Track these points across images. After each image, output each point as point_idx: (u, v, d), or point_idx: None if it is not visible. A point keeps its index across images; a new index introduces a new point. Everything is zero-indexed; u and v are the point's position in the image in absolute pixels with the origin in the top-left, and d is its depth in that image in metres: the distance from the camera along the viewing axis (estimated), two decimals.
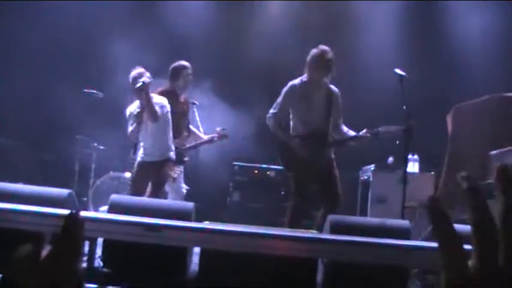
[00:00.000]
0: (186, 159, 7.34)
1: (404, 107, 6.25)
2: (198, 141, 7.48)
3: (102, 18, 9.49)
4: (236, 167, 8.63)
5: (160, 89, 7.20)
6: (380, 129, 6.57)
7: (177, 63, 7.29)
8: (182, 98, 7.40)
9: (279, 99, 6.67)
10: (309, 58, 6.52)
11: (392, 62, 8.10)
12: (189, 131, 7.53)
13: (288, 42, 9.42)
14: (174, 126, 7.04)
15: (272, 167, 8.59)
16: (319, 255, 4.83)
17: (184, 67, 7.27)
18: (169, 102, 6.96)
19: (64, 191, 5.32)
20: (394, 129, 6.55)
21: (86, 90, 8.48)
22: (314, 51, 6.50)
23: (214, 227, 4.89)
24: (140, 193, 6.74)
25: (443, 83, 9.46)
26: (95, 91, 8.43)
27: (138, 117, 6.75)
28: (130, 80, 6.80)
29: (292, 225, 6.30)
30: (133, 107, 6.93)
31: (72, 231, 0.99)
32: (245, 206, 8.45)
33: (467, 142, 8.05)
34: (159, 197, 6.82)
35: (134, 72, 6.80)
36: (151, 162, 6.87)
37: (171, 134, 7.01)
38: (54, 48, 9.36)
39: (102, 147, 8.69)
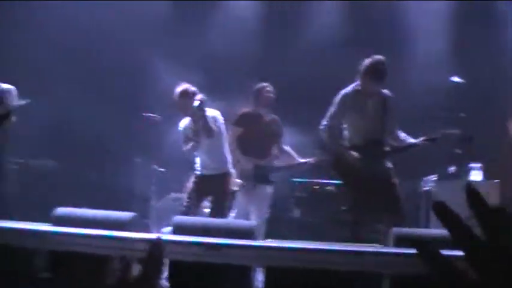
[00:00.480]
0: (272, 179, 7.22)
1: (461, 114, 6.12)
2: (289, 163, 7.37)
3: (148, 38, 9.63)
4: (295, 183, 8.60)
5: (242, 110, 7.25)
6: (438, 135, 6.43)
7: (257, 84, 7.29)
8: (268, 118, 7.30)
9: (331, 109, 6.51)
10: (362, 67, 6.39)
11: (447, 65, 7.99)
12: (282, 150, 7.36)
13: (337, 52, 9.39)
14: (260, 147, 7.06)
15: (332, 181, 8.52)
16: (383, 269, 4.75)
17: (263, 87, 7.25)
18: (251, 123, 7.02)
19: (128, 214, 5.40)
20: (452, 133, 6.40)
21: (144, 114, 8.61)
22: (368, 60, 6.37)
23: (277, 244, 4.89)
24: (196, 207, 6.79)
25: (504, 87, 9.24)
26: (153, 114, 8.55)
27: (195, 135, 6.84)
28: (177, 96, 6.89)
29: (355, 240, 6.19)
30: (185, 122, 7.04)
31: (156, 255, 1.04)
32: (306, 222, 8.40)
33: None
34: (222, 212, 6.85)
35: (181, 89, 6.90)
36: (209, 176, 6.90)
37: (227, 147, 7.06)
38: (105, 71, 9.53)
39: (161, 169, 8.79)
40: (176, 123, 7.35)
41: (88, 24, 9.49)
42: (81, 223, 4.99)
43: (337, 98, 6.50)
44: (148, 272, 1.05)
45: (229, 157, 7.12)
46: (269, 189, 7.26)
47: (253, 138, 7.14)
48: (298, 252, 4.52)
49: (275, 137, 7.27)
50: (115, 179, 9.47)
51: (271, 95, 7.22)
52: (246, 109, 7.29)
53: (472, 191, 0.86)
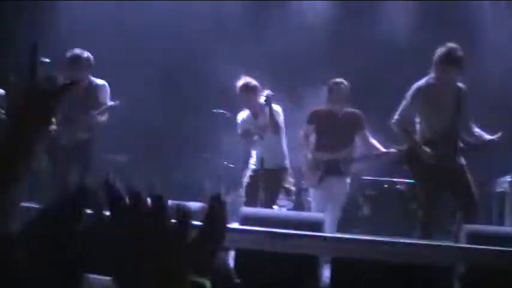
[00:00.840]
0: (344, 171, 7.12)
1: None
2: (367, 154, 7.19)
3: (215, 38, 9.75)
4: (365, 181, 8.52)
5: (314, 108, 7.25)
6: None
7: (330, 81, 7.21)
8: (341, 113, 7.16)
9: (404, 103, 6.35)
10: (435, 57, 6.19)
11: None
12: (366, 143, 7.11)
13: (406, 46, 9.29)
14: (332, 142, 7.03)
15: (402, 180, 8.40)
16: (453, 262, 4.66)
17: (334, 83, 7.14)
18: (322, 120, 7.05)
19: (197, 204, 5.47)
20: None
21: (214, 110, 8.69)
22: (441, 49, 6.16)
23: (345, 235, 4.87)
24: (255, 201, 6.81)
25: None
26: (223, 111, 8.62)
27: (259, 130, 6.92)
28: (239, 89, 6.97)
29: (425, 237, 6.06)
30: (244, 115, 7.12)
31: (218, 211, 1.00)
32: (376, 220, 8.31)
33: None
34: (271, 206, 6.91)
35: (242, 82, 6.98)
36: (267, 170, 6.88)
37: (285, 142, 7.09)
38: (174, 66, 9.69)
39: (231, 165, 8.86)
40: None
41: (156, 25, 9.67)
42: None
43: (410, 91, 6.35)
44: (210, 231, 1.00)
45: (286, 153, 7.18)
46: (345, 184, 7.16)
47: (326, 134, 7.07)
48: (365, 244, 4.49)
49: (350, 131, 7.13)
50: (185, 175, 9.62)
51: (343, 90, 7.10)
52: (317, 107, 7.26)
53: None
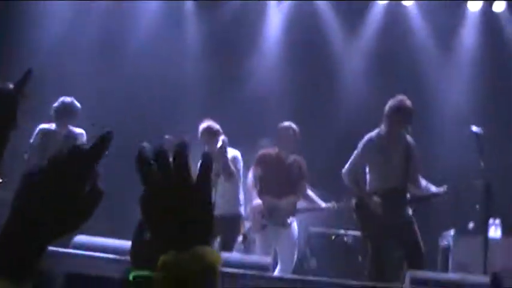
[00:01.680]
0: (288, 221, 7.16)
1: (481, 164, 6.14)
2: (309, 207, 7.37)
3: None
4: (312, 232, 8.58)
5: (263, 151, 7.30)
6: (460, 185, 6.43)
7: (280, 124, 7.25)
8: (289, 160, 7.20)
9: (356, 153, 6.50)
10: (387, 109, 6.37)
11: (468, 116, 8.06)
12: (303, 194, 7.30)
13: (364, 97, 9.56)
14: (276, 188, 7.04)
15: (349, 232, 8.50)
16: None
17: (285, 127, 7.18)
18: (270, 165, 7.08)
19: None
20: (475, 185, 6.37)
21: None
22: (392, 102, 6.36)
23: (289, 276, 4.90)
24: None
25: None
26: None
27: (213, 175, 6.89)
28: (201, 132, 7.03)
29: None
30: None
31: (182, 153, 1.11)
32: (323, 272, 8.32)
33: None
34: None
35: (205, 125, 7.03)
36: (220, 216, 6.65)
37: (241, 188, 7.11)
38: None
39: None
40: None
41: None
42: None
43: (362, 142, 6.50)
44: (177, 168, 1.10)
45: (242, 199, 7.18)
46: (290, 234, 7.17)
47: (271, 180, 7.09)
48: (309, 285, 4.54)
49: (294, 180, 7.19)
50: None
51: (293, 136, 7.15)
52: (266, 150, 7.32)
53: None
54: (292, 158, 7.16)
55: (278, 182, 7.05)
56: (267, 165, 7.09)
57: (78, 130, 7.46)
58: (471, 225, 8.40)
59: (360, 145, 6.51)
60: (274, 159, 7.14)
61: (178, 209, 1.08)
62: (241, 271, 4.70)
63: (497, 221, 8.17)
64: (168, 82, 9.64)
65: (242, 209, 7.20)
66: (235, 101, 9.40)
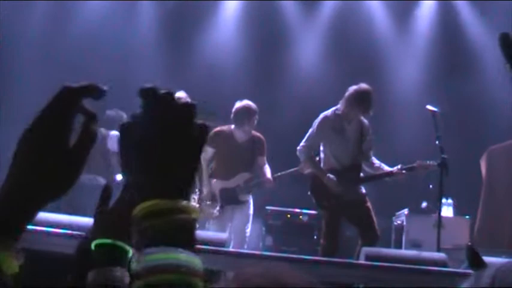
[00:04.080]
0: (242, 199, 7.10)
1: (437, 142, 6.21)
2: (264, 179, 7.14)
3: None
4: (269, 211, 8.61)
5: (215, 129, 7.15)
6: (415, 164, 6.51)
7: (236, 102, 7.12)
8: (243, 137, 7.08)
9: (311, 131, 6.52)
10: (348, 94, 6.41)
11: (425, 98, 8.15)
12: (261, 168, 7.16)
13: (319, 76, 9.61)
14: (228, 168, 6.97)
15: (305, 211, 8.56)
16: (355, 281, 4.79)
17: (241, 105, 7.07)
18: (223, 143, 6.95)
19: None
20: (429, 164, 6.47)
21: None
22: (354, 88, 6.39)
23: (249, 251, 4.90)
24: None
25: (478, 122, 9.45)
26: None
27: None
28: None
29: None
30: None
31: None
32: (278, 250, 8.37)
33: (503, 187, 7.94)
34: None
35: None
36: None
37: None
38: None
39: None
40: None
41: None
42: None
43: (317, 120, 6.53)
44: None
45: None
46: (248, 210, 7.15)
47: (223, 158, 7.01)
48: (271, 260, 4.56)
49: (249, 157, 7.14)
50: None
51: (248, 113, 7.01)
52: (220, 128, 7.13)
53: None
54: (248, 135, 7.05)
55: (230, 160, 6.96)
56: (219, 143, 6.94)
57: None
58: (424, 204, 8.55)
59: (316, 123, 6.53)
60: (227, 137, 7.01)
61: (168, 150, 1.01)
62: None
63: (450, 201, 8.34)
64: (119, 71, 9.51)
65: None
66: (189, 83, 9.35)
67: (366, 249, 5.33)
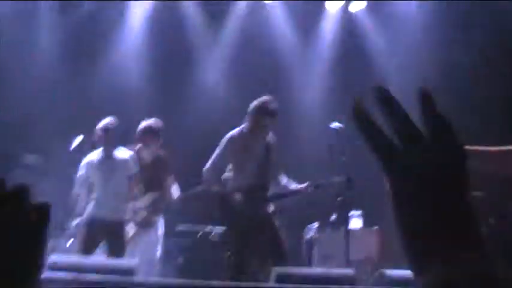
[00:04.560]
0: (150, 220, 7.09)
1: (343, 158, 6.30)
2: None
3: None
4: (179, 230, 8.48)
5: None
6: (322, 181, 6.59)
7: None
8: (150, 157, 7.19)
9: (218, 151, 6.51)
10: (251, 108, 6.45)
11: (330, 111, 8.28)
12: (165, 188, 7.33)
13: (225, 93, 9.60)
14: (141, 187, 7.00)
15: (216, 228, 8.49)
16: None
17: (144, 127, 7.16)
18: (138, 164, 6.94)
19: None
20: (336, 181, 6.56)
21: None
22: (257, 102, 6.44)
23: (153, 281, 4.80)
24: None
25: None
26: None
27: None
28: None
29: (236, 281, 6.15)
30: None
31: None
32: (188, 270, 8.25)
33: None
34: None
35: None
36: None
37: None
38: None
39: None
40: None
41: None
42: None
43: (224, 139, 6.52)
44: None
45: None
46: (156, 232, 7.09)
47: (135, 180, 7.02)
48: None
49: (158, 177, 7.10)
50: None
51: (153, 133, 7.07)
52: (136, 148, 7.12)
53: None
54: (154, 155, 7.01)
55: (141, 181, 6.92)
56: (137, 164, 6.93)
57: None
58: (333, 217, 8.63)
59: (222, 142, 6.53)
60: (138, 158, 7.00)
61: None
62: (101, 277, 4.52)
63: (359, 213, 8.47)
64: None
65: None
66: (93, 100, 9.16)
67: (276, 269, 5.32)
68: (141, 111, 7.55)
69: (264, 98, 6.45)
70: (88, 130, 7.17)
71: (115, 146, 6.85)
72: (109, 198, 6.71)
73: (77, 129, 7.52)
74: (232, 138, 6.51)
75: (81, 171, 6.88)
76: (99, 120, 6.90)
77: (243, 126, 6.54)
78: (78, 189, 6.93)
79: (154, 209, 6.99)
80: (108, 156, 6.82)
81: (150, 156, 6.99)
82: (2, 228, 0.89)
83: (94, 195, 6.82)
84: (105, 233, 6.65)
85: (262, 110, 6.38)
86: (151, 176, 6.98)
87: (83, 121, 7.68)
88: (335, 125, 6.50)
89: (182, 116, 9.45)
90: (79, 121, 7.90)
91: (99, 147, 6.90)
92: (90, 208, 6.80)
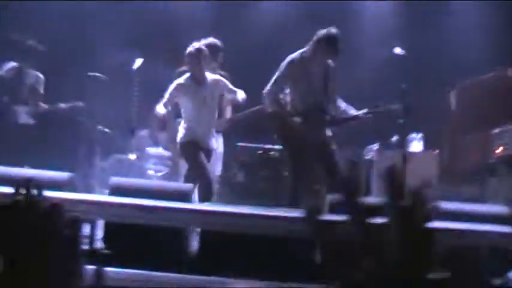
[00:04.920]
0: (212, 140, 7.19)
1: (403, 86, 6.19)
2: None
3: None
4: (239, 148, 8.61)
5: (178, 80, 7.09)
6: (380, 108, 6.53)
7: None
8: (207, 81, 7.00)
9: (278, 74, 6.49)
10: (316, 38, 6.39)
11: (389, 38, 8.07)
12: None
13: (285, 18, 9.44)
14: (197, 113, 6.98)
15: (275, 147, 8.59)
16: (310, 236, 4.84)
17: (190, 52, 6.91)
18: (186, 92, 6.94)
19: (64, 174, 5.37)
20: (393, 108, 6.50)
21: (89, 74, 8.47)
22: (323, 32, 6.37)
23: (211, 208, 4.94)
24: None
25: (443, 59, 9.38)
26: (98, 74, 8.43)
27: None
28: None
29: (292, 205, 6.28)
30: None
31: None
32: (251, 186, 8.44)
33: (470, 121, 8.03)
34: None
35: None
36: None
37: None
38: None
39: (106, 130, 8.68)
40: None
41: None
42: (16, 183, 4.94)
43: (284, 63, 6.49)
44: None
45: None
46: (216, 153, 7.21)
47: (189, 106, 6.94)
48: (230, 216, 4.60)
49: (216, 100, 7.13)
50: (60, 139, 9.33)
51: (199, 57, 6.85)
52: (181, 78, 7.06)
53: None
54: (210, 78, 6.95)
55: (197, 107, 6.91)
56: (181, 93, 6.91)
57: None
58: (394, 138, 8.59)
59: (283, 65, 6.49)
60: (188, 85, 6.95)
61: None
62: (160, 203, 4.69)
63: (419, 136, 8.39)
64: None
65: None
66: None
67: (331, 197, 5.38)
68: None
69: (334, 30, 6.36)
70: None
71: (204, 71, 6.87)
72: (202, 125, 6.78)
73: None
74: (293, 61, 6.48)
75: (170, 93, 6.85)
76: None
77: (303, 50, 6.50)
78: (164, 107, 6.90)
79: (212, 129, 7.09)
80: (198, 82, 6.87)
81: (202, 81, 6.97)
82: (41, 244, 0.99)
83: (185, 121, 6.88)
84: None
85: (330, 46, 6.34)
86: (212, 95, 6.98)
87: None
88: (397, 50, 6.36)
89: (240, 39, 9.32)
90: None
91: (188, 72, 6.91)
92: (182, 134, 6.85)
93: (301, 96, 6.53)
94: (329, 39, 6.34)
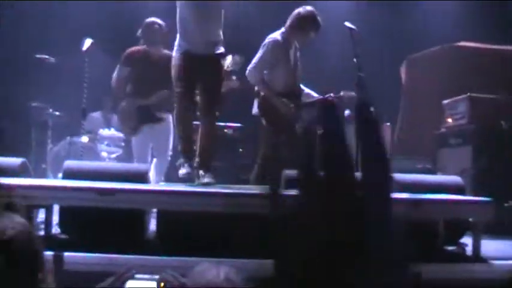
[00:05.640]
0: (161, 116, 7.11)
1: (354, 60, 6.21)
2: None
3: None
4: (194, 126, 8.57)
5: (128, 49, 7.11)
6: (342, 94, 6.55)
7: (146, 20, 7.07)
8: (158, 55, 7.02)
9: (263, 51, 6.36)
10: (297, 16, 6.36)
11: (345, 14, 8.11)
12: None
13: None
14: (146, 86, 6.98)
15: (229, 124, 8.60)
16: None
17: (151, 22, 7.03)
18: (138, 63, 6.96)
19: (17, 160, 5.29)
20: (353, 95, 6.51)
21: (37, 56, 8.31)
22: (302, 10, 6.35)
23: (168, 188, 4.92)
24: None
25: (396, 32, 9.49)
26: (46, 56, 8.27)
27: None
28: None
29: (259, 180, 6.29)
30: None
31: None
32: None
33: (421, 93, 8.16)
34: None
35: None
36: None
37: None
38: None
39: (57, 113, 8.55)
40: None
41: None
42: None
43: (267, 42, 6.40)
44: None
45: None
46: (165, 130, 7.17)
47: (140, 78, 7.01)
48: (187, 196, 4.60)
49: (167, 75, 7.03)
50: (11, 124, 9.18)
51: (159, 30, 6.97)
52: (134, 48, 7.13)
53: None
54: (163, 52, 6.93)
55: (147, 79, 6.93)
56: (134, 63, 6.96)
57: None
58: (347, 112, 8.67)
59: (268, 43, 6.37)
60: (141, 57, 6.99)
61: None
62: (117, 184, 4.66)
63: (371, 109, 8.48)
64: None
65: None
66: None
67: (287, 173, 5.43)
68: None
69: (307, 10, 6.35)
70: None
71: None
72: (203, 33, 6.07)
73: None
74: (277, 42, 6.37)
75: None
76: None
77: (283, 30, 6.43)
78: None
79: (161, 105, 7.04)
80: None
81: (156, 54, 6.98)
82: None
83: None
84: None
85: (312, 22, 6.32)
86: (156, 74, 6.93)
87: None
88: (349, 24, 6.36)
89: None
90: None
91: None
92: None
93: (281, 77, 6.44)
94: (311, 16, 6.32)
